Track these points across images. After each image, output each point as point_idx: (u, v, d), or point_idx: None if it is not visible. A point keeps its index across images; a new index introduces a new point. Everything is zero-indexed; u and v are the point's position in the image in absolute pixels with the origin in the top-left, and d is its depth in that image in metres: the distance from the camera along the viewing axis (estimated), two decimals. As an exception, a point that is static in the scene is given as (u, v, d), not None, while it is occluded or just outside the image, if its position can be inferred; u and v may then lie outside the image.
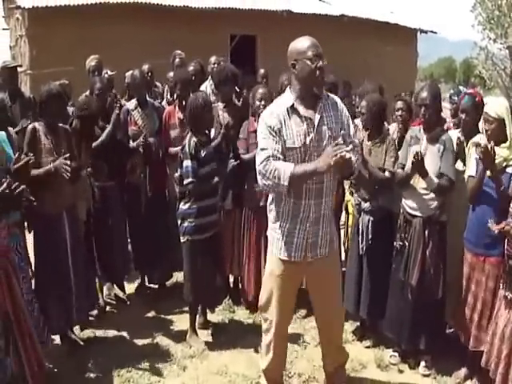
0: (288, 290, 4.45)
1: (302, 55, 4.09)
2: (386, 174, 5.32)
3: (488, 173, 4.58)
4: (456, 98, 6.88)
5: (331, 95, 4.35)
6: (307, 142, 4.10)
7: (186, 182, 5.30)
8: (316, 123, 4.13)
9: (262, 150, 4.15)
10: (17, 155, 4.31)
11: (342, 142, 3.94)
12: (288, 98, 4.21)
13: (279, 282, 4.40)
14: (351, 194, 5.90)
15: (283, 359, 4.77)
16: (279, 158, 4.09)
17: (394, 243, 5.23)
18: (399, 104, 5.95)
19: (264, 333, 4.60)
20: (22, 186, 3.80)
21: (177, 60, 8.75)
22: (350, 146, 3.98)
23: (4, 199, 3.76)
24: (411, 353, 5.33)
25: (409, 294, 5.11)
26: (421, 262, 5.02)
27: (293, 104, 4.15)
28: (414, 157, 4.75)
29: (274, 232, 4.41)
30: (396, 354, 5.41)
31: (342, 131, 4.14)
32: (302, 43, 4.16)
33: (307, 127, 4.12)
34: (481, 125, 4.91)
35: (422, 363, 5.24)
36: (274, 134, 4.12)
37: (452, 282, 5.10)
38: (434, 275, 5.03)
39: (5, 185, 3.73)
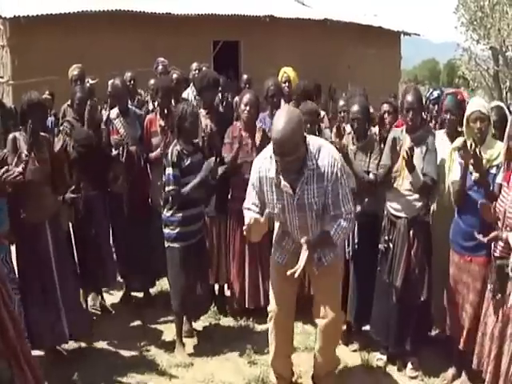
0: (283, 284, 4.56)
1: (272, 145, 4.02)
2: (371, 176, 5.32)
3: (473, 177, 4.60)
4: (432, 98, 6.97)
5: (322, 161, 4.13)
6: (286, 211, 4.24)
7: (167, 189, 5.31)
8: (296, 198, 4.17)
9: (246, 197, 4.43)
10: None
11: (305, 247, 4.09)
12: (273, 164, 4.15)
13: (275, 276, 4.66)
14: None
15: (286, 353, 4.84)
16: (254, 210, 4.31)
17: (379, 246, 5.23)
18: (386, 107, 5.96)
19: (268, 323, 4.79)
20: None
21: (160, 67, 8.75)
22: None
23: None
24: (398, 355, 5.32)
25: (393, 296, 5.11)
26: (406, 262, 5.02)
27: (274, 178, 4.17)
28: (406, 152, 4.73)
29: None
30: (383, 356, 5.40)
31: (304, 239, 4.15)
32: (273, 132, 3.99)
33: (287, 198, 4.20)
34: (464, 126, 4.89)
35: (409, 365, 5.22)
36: (255, 191, 4.33)
37: (438, 283, 5.10)
38: (418, 276, 5.04)
39: None
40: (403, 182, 4.98)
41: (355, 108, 5.34)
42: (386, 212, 5.21)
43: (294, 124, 3.93)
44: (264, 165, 4.24)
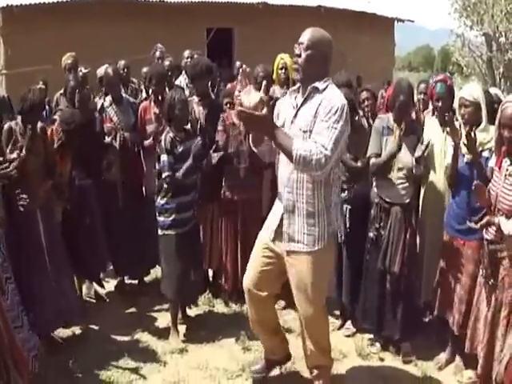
0: (264, 262, 4.51)
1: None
2: (359, 163, 5.34)
3: (465, 158, 4.64)
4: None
5: (331, 91, 4.14)
6: (285, 126, 4.21)
7: (163, 175, 5.32)
8: (295, 112, 4.19)
9: None
10: None
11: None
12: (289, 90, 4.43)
13: (253, 252, 4.62)
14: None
15: (264, 328, 4.76)
16: None
17: (369, 234, 5.25)
18: (364, 94, 6.02)
19: None
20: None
21: (157, 53, 8.75)
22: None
23: None
24: (391, 341, 5.34)
25: (387, 283, 5.14)
26: (402, 248, 5.05)
27: (295, 90, 4.33)
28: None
29: None
30: (377, 342, 5.43)
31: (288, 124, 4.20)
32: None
33: (290, 113, 4.25)
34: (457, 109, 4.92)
35: (403, 350, 5.25)
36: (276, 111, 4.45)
37: (431, 267, 5.13)
38: (412, 260, 5.10)
39: None
40: (396, 171, 5.04)
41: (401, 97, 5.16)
42: (376, 200, 5.22)
43: (323, 35, 4.18)
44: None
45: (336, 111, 3.99)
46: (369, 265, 5.29)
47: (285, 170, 4.26)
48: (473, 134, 4.44)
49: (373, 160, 5.16)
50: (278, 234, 4.35)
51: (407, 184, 5.03)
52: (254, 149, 4.43)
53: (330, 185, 4.22)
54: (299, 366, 5.04)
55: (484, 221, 4.22)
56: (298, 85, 4.30)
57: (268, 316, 4.78)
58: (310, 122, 4.06)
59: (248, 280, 4.60)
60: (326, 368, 4.73)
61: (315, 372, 4.69)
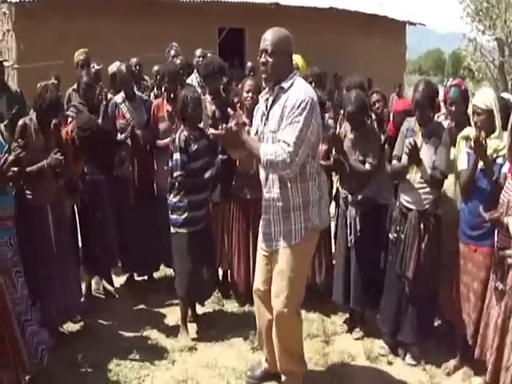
0: (260, 265, 4.61)
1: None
2: (367, 166, 5.33)
3: (480, 165, 4.60)
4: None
5: (295, 87, 4.16)
6: (259, 130, 4.32)
7: (174, 174, 5.33)
8: (265, 116, 4.27)
9: None
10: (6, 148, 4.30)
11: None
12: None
13: (257, 257, 4.69)
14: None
15: (268, 338, 4.67)
16: None
17: (389, 235, 5.24)
18: (375, 96, 6.03)
19: None
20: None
21: (172, 51, 8.77)
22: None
23: None
24: (400, 344, 5.33)
25: (405, 287, 5.12)
26: (416, 255, 5.02)
27: (265, 93, 4.36)
28: (407, 146, 4.77)
29: None
30: (385, 345, 5.42)
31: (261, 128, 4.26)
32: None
33: (261, 119, 4.32)
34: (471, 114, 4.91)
35: (409, 354, 5.24)
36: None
37: (445, 273, 5.11)
38: (429, 268, 5.02)
39: None
40: (416, 175, 4.97)
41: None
42: (398, 203, 5.20)
43: (283, 33, 4.19)
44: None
45: (299, 105, 4.03)
46: (390, 267, 5.27)
47: (261, 172, 4.37)
48: (483, 141, 4.42)
49: (394, 162, 5.15)
50: (262, 235, 4.47)
51: (427, 189, 4.94)
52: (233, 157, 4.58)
53: (307, 180, 4.24)
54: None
55: (496, 214, 4.22)
56: (267, 88, 4.35)
57: (261, 304, 4.73)
58: (278, 122, 4.12)
59: (255, 283, 4.68)
60: (296, 375, 4.65)
61: (283, 378, 4.68)
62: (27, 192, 4.99)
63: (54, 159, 4.86)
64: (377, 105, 6.00)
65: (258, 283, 4.64)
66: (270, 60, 4.09)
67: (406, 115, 5.36)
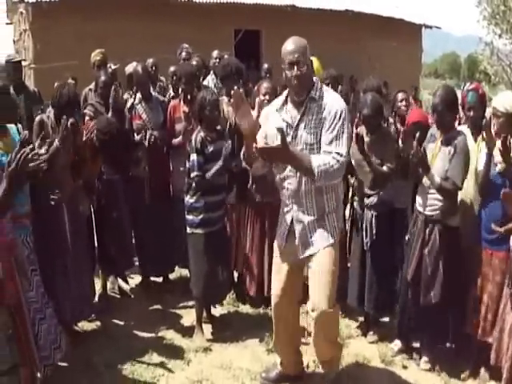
0: (286, 270, 4.53)
1: (283, 61, 4.14)
2: (385, 168, 5.31)
3: (497, 168, 4.59)
4: None
5: (326, 95, 4.20)
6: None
7: (192, 175, 5.34)
8: (294, 127, 4.19)
9: None
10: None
11: (279, 128, 3.88)
12: (283, 97, 4.34)
13: (276, 264, 4.62)
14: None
15: (286, 341, 4.75)
16: None
17: (406, 236, 5.24)
18: (402, 95, 6.00)
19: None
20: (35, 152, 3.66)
21: (183, 53, 8.76)
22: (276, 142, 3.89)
23: (18, 172, 3.64)
24: (415, 348, 5.31)
25: (409, 291, 5.12)
26: (418, 259, 5.00)
27: (278, 106, 4.28)
28: (416, 152, 4.73)
29: None
30: (397, 342, 5.42)
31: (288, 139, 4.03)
32: (284, 48, 4.15)
33: (286, 129, 4.14)
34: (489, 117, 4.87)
35: (424, 358, 5.20)
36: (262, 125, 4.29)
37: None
38: (430, 276, 4.95)
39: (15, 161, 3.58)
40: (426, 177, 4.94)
41: (435, 99, 4.96)
42: (415, 204, 5.19)
43: (303, 43, 4.13)
44: (274, 103, 4.40)
45: (340, 116, 4.08)
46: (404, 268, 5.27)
47: (292, 183, 4.29)
48: (508, 141, 4.39)
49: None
50: (290, 244, 4.41)
51: (437, 195, 4.86)
52: (247, 166, 4.43)
53: (339, 183, 4.33)
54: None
55: (509, 225, 4.20)
56: (281, 99, 4.31)
57: (294, 327, 4.82)
58: (316, 134, 4.11)
59: (276, 290, 4.63)
60: (337, 358, 4.87)
61: (323, 368, 4.81)
62: (44, 191, 5.01)
63: (63, 136, 4.82)
64: (403, 102, 5.96)
65: (278, 290, 4.60)
66: (303, 71, 4.05)
67: (418, 128, 5.33)
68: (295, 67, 4.05)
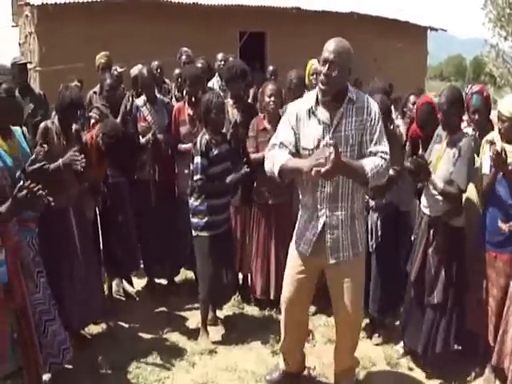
0: (301, 277, 4.47)
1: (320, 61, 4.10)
2: (391, 171, 5.27)
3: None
4: None
5: (362, 97, 4.17)
6: (321, 145, 4.04)
7: (195, 177, 5.35)
8: (332, 128, 4.09)
9: (274, 137, 4.30)
10: (33, 156, 4.32)
11: (332, 143, 3.76)
12: (312, 97, 4.19)
13: (293, 268, 4.51)
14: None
15: (295, 345, 4.76)
16: (285, 147, 4.16)
17: (412, 237, 5.25)
18: (413, 98, 6.01)
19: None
20: (41, 192, 3.71)
21: (183, 57, 8.74)
22: (331, 153, 3.72)
23: (22, 202, 3.70)
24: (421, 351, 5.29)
25: (411, 291, 5.14)
26: (421, 259, 5.00)
27: (312, 106, 4.15)
28: (416, 158, 4.76)
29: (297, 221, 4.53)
30: (400, 349, 5.43)
31: (333, 141, 3.86)
32: (325, 45, 4.08)
33: (323, 131, 4.09)
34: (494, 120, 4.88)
35: (429, 360, 5.17)
36: (290, 125, 4.20)
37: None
38: (434, 276, 4.95)
39: (24, 192, 3.65)
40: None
41: (441, 99, 4.91)
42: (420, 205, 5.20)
43: (346, 46, 4.07)
44: (302, 103, 4.28)
45: (379, 117, 4.12)
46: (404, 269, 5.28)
47: (327, 187, 4.16)
48: (499, 149, 4.39)
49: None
50: (317, 249, 4.32)
51: (440, 197, 4.86)
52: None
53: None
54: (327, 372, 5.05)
55: None
56: (312, 99, 4.19)
57: (304, 329, 4.85)
58: (357, 136, 4.08)
59: (287, 299, 4.57)
60: (354, 368, 4.89)
61: (345, 374, 4.77)
62: (50, 198, 5.01)
63: (69, 158, 4.83)
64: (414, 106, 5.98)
65: (292, 299, 4.53)
66: (334, 73, 3.98)
67: (428, 108, 5.44)
68: (327, 65, 3.99)
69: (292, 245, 4.57)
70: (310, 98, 4.24)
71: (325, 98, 4.10)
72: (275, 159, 4.13)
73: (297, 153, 4.17)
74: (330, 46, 4.02)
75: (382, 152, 4.06)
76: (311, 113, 4.16)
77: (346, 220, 4.24)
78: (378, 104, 5.24)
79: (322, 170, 3.72)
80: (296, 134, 4.19)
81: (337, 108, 4.10)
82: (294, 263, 4.53)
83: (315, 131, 4.13)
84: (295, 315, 4.62)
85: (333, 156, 3.70)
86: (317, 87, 4.19)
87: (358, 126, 4.08)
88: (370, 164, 3.98)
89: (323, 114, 4.13)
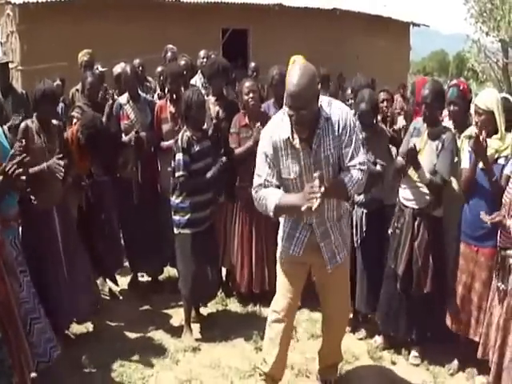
0: (293, 281, 4.43)
1: (285, 99, 3.95)
2: (378, 167, 5.30)
3: (481, 165, 4.60)
4: None
5: (335, 108, 4.04)
6: (303, 172, 4.05)
7: (177, 174, 5.34)
8: (313, 153, 4.01)
9: (257, 175, 4.18)
10: (12, 151, 4.30)
11: (317, 185, 3.73)
12: (287, 125, 4.02)
13: (285, 274, 4.44)
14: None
15: (286, 354, 4.64)
16: (271, 184, 4.10)
17: (388, 230, 5.26)
18: (382, 95, 6.05)
19: (269, 326, 4.51)
20: (19, 170, 3.67)
21: (169, 54, 8.74)
22: (321, 190, 3.70)
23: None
24: (403, 344, 5.34)
25: (397, 284, 5.15)
26: (408, 253, 5.04)
27: (289, 137, 4.01)
28: (409, 149, 4.77)
29: (280, 230, 4.49)
30: (378, 338, 5.50)
31: (317, 173, 3.82)
32: (288, 85, 3.88)
33: (303, 157, 4.03)
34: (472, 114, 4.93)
35: (413, 353, 5.25)
36: (268, 160, 4.10)
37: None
38: (421, 268, 5.01)
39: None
40: (415, 173, 4.95)
41: (425, 92, 4.94)
42: (397, 199, 5.22)
43: (310, 77, 3.84)
44: (276, 129, 4.10)
45: (353, 126, 4.05)
46: (387, 263, 5.30)
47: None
48: (481, 138, 4.44)
49: (398, 158, 5.09)
50: (307, 248, 4.29)
51: (425, 190, 4.92)
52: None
53: None
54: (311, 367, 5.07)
55: (497, 218, 4.24)
56: (286, 129, 4.02)
57: (289, 334, 4.71)
58: (336, 153, 4.03)
59: (283, 313, 4.41)
60: (338, 364, 4.96)
61: (329, 370, 4.83)
62: (32, 197, 4.99)
63: (54, 163, 4.83)
64: (385, 103, 6.01)
65: (284, 303, 4.41)
66: (305, 115, 3.84)
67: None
68: (295, 112, 3.83)
69: (280, 252, 4.49)
70: (284, 124, 4.05)
71: (301, 134, 3.99)
72: (267, 200, 4.06)
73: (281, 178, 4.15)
74: (295, 89, 3.79)
75: (360, 163, 4.04)
76: (288, 143, 4.05)
77: (335, 226, 4.29)
78: (367, 98, 5.33)
79: (313, 207, 3.70)
80: (276, 167, 4.11)
81: (313, 131, 4.00)
82: (284, 271, 4.45)
83: (295, 160, 4.06)
84: (290, 324, 4.54)
85: (322, 191, 3.71)
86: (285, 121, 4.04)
87: (335, 143, 4.01)
88: (350, 180, 4.00)
89: (301, 142, 4.02)
